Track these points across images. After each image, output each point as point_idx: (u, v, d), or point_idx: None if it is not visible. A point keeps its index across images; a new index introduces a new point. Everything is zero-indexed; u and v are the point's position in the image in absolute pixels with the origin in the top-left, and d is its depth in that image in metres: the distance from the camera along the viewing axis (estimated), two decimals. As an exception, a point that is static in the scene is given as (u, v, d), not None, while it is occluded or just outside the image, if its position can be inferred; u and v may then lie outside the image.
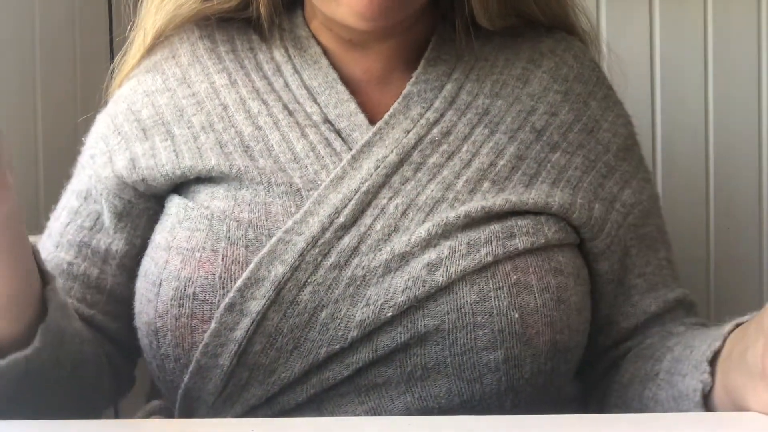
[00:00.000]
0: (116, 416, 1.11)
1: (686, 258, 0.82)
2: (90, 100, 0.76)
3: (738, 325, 0.56)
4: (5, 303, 0.55)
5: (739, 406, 0.51)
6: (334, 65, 0.70)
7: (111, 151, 0.70)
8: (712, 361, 0.56)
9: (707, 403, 0.56)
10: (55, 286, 0.59)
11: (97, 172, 0.70)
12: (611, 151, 0.71)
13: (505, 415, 0.59)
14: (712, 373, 0.56)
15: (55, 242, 0.70)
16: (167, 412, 0.69)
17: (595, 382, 0.72)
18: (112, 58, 0.78)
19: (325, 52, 0.70)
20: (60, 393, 0.60)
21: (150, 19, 0.73)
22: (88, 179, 0.71)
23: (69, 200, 0.72)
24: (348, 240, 0.61)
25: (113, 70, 0.76)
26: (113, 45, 1.12)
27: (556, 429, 0.45)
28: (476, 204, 0.63)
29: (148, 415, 0.73)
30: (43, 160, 1.05)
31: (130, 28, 0.75)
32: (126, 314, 0.69)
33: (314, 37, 0.71)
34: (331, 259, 0.61)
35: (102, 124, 0.73)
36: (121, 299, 0.69)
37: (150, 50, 0.74)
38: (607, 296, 0.70)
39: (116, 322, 0.70)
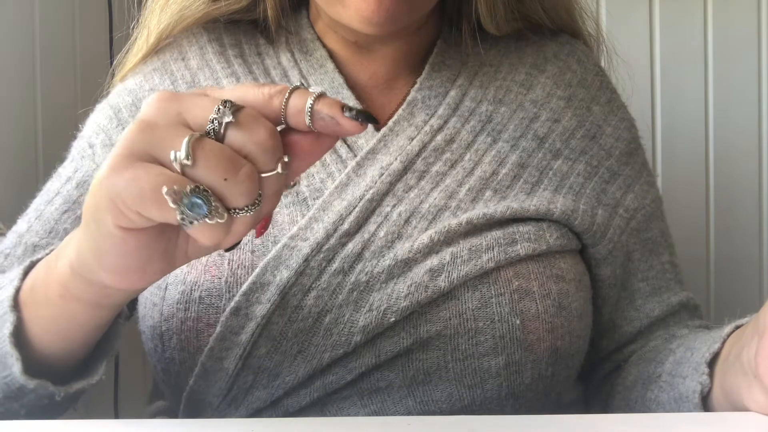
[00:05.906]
0: (116, 416, 1.11)
1: (686, 258, 0.83)
2: (90, 99, 0.76)
3: (738, 327, 0.56)
4: (93, 331, 0.53)
5: (736, 407, 0.51)
6: (340, 69, 0.69)
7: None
8: (712, 363, 0.56)
9: (706, 405, 0.56)
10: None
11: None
12: (614, 155, 0.71)
13: (506, 415, 0.59)
14: (711, 375, 0.56)
15: (48, 228, 0.69)
16: (171, 413, 0.69)
17: (598, 385, 0.73)
18: (112, 57, 0.77)
19: (331, 55, 0.70)
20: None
21: (154, 19, 0.71)
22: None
23: (65, 186, 0.70)
24: (352, 246, 0.61)
25: (113, 71, 0.76)
26: (113, 45, 1.12)
27: (556, 429, 0.45)
28: (478, 211, 0.63)
29: (153, 416, 0.73)
30: (43, 159, 1.05)
31: (133, 26, 0.74)
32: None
33: (319, 39, 0.71)
34: (335, 264, 0.60)
35: (103, 114, 0.71)
36: None
37: (156, 50, 0.73)
38: (609, 300, 0.70)
39: None
